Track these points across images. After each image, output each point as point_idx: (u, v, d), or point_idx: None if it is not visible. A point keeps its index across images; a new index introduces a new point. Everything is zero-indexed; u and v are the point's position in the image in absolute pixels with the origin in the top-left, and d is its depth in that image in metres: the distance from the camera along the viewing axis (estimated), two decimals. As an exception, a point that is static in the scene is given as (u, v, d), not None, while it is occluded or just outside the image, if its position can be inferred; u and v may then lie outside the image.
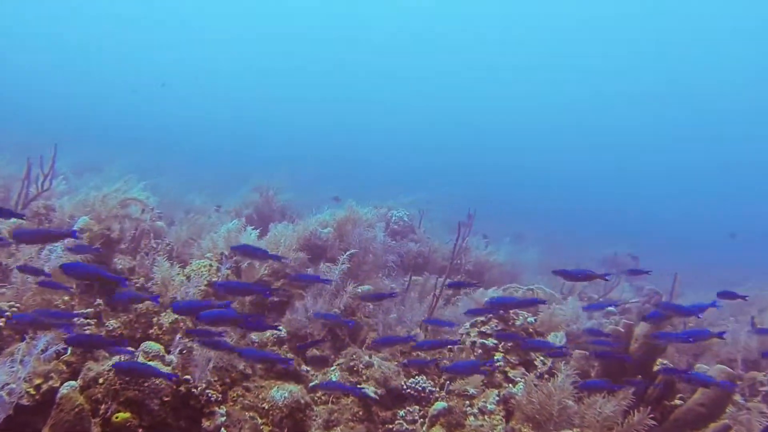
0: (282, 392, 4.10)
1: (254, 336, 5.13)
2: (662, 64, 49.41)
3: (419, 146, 47.75)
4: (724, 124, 49.77)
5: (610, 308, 7.35)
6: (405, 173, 30.67)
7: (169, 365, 3.88)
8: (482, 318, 5.30)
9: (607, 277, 4.68)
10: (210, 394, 3.88)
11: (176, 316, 4.46)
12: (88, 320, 4.38)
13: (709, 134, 50.38)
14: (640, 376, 4.25)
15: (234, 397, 4.06)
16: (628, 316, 8.51)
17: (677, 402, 4.40)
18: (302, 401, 4.16)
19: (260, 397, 4.14)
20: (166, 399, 3.63)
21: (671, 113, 51.33)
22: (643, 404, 4.00)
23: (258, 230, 6.09)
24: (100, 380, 3.55)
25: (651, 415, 3.77)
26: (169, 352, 4.01)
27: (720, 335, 4.39)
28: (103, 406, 3.47)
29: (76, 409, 3.27)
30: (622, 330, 4.50)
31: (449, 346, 5.15)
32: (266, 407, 4.03)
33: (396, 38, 54.19)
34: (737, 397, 5.37)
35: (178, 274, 4.98)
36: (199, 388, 3.85)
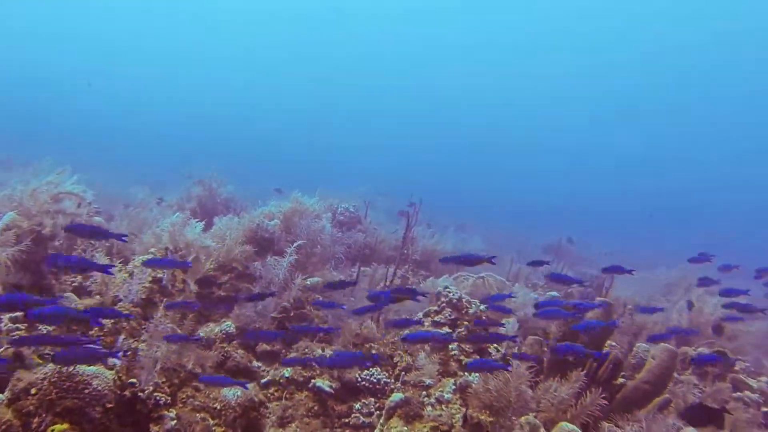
0: (234, 391, 3.94)
1: (202, 333, 4.94)
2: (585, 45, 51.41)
3: (363, 141, 48.12)
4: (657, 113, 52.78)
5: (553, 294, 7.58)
6: (349, 167, 30.75)
7: (112, 369, 3.65)
8: (435, 307, 5.31)
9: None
10: (158, 398, 3.68)
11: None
12: (17, 325, 4.06)
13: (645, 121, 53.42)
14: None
15: (184, 398, 3.88)
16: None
17: (621, 380, 4.57)
18: (256, 399, 4.04)
19: (212, 396, 3.97)
20: (110, 406, 3.39)
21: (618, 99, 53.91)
22: (595, 385, 4.12)
23: (202, 222, 5.82)
24: (33, 390, 3.25)
25: (602, 395, 3.87)
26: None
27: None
28: (36, 420, 3.16)
29: (2, 427, 3.00)
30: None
31: None
32: (218, 407, 3.87)
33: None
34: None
35: (120, 271, 4.71)
36: (146, 392, 3.64)
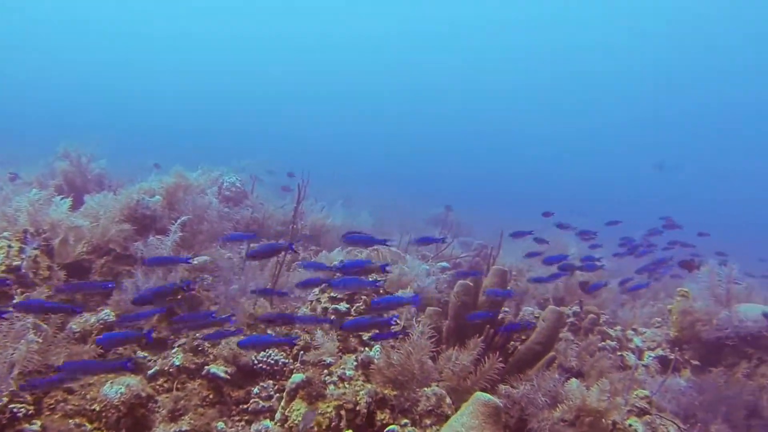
0: (117, 387, 3.54)
1: (74, 325, 4.40)
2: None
3: (247, 113, 46.68)
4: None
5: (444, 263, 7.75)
6: (234, 140, 29.53)
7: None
8: (332, 282, 5.16)
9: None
10: (16, 409, 3.17)
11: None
12: None
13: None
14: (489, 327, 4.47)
15: (52, 404, 3.39)
16: (459, 270, 9.11)
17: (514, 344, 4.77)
18: (143, 394, 3.66)
19: (88, 397, 3.53)
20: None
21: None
22: (491, 351, 4.23)
23: (69, 199, 5.18)
24: None
25: (499, 359, 3.98)
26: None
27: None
28: None
29: None
30: (471, 284, 4.69)
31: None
32: (98, 408, 3.45)
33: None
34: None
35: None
36: (-2, 405, 3.12)
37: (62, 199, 4.96)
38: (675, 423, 4.53)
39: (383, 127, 53.51)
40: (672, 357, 5.98)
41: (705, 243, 9.49)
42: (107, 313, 4.65)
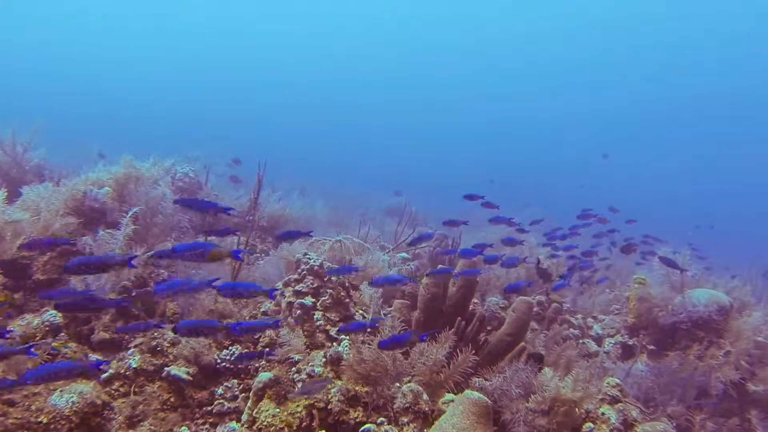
0: (68, 396, 3.26)
1: (15, 327, 4.07)
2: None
3: (195, 101, 45.34)
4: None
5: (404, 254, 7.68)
6: (182, 130, 28.52)
7: None
8: (295, 276, 4.98)
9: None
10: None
11: None
12: None
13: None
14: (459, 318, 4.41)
15: (-7, 417, 3.09)
16: (420, 261, 9.07)
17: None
18: (98, 401, 3.39)
19: (34, 408, 3.23)
20: None
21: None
22: (463, 343, 4.17)
23: (4, 191, 4.78)
24: None
25: (472, 352, 3.92)
26: None
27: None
28: None
29: None
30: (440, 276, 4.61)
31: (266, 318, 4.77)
32: (45, 420, 3.15)
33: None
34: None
35: None
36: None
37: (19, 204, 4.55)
38: (638, 407, 4.62)
39: (337, 116, 53.12)
40: (632, 343, 6.12)
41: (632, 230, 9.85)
42: (52, 314, 4.33)
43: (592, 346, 6.33)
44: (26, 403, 3.24)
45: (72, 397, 3.24)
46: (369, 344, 3.80)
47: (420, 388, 3.61)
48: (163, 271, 5.41)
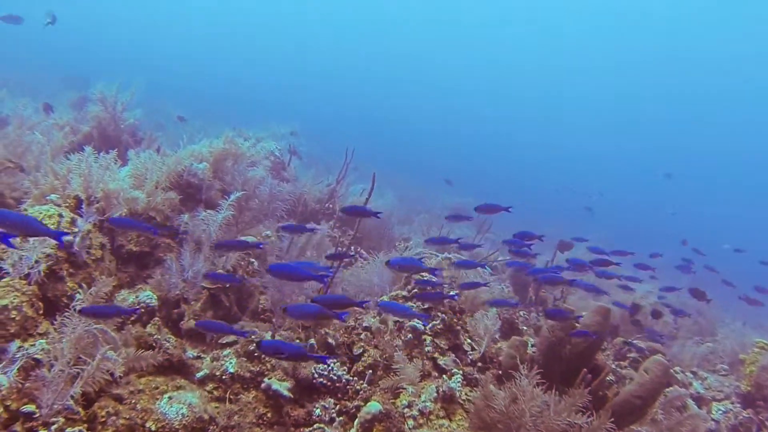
0: (178, 407, 2.94)
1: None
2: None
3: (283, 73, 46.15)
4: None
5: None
6: (266, 102, 28.47)
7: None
8: (404, 292, 4.59)
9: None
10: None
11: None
12: None
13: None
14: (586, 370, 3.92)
15: (103, 416, 2.80)
16: (500, 277, 8.55)
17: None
18: (206, 416, 3.07)
19: (139, 408, 2.94)
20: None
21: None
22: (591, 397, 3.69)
23: (128, 168, 4.56)
24: None
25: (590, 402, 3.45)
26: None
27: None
28: None
29: None
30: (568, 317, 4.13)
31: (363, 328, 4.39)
32: (153, 428, 2.85)
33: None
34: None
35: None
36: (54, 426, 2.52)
37: (118, 164, 4.30)
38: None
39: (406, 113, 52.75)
40: (747, 415, 5.47)
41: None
42: (148, 295, 4.08)
43: (692, 407, 5.73)
44: (132, 401, 2.95)
45: (182, 408, 2.93)
46: (499, 387, 3.37)
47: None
48: (253, 260, 5.13)
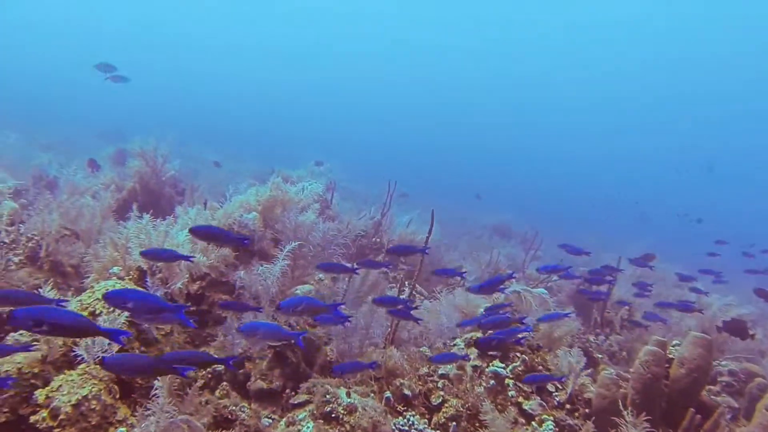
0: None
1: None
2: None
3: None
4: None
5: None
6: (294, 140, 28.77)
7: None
8: (479, 334, 4.33)
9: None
10: None
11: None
12: None
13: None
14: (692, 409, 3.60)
15: None
16: (557, 298, 8.18)
17: None
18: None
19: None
20: None
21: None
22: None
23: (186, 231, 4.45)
24: None
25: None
26: None
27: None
28: None
29: None
30: (661, 351, 3.82)
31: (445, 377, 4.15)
32: None
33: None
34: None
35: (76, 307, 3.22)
36: None
37: (175, 227, 4.19)
38: None
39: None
40: None
41: None
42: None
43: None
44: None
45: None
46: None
47: None
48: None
